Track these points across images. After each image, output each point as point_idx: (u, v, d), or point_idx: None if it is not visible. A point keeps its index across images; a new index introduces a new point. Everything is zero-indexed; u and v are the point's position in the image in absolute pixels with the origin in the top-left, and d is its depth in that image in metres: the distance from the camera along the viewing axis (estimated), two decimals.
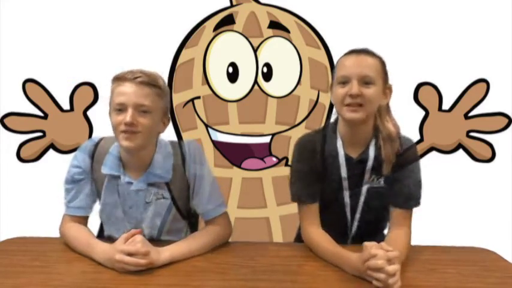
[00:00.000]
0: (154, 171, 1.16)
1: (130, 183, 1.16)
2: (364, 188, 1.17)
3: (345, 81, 1.09)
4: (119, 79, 1.10)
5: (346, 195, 1.18)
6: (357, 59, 1.09)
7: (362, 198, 1.18)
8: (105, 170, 1.17)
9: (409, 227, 1.14)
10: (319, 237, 1.13)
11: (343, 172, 1.17)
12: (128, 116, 1.05)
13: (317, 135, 1.21)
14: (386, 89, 1.13)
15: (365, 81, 1.07)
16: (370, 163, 1.15)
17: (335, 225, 1.19)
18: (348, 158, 1.16)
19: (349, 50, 1.13)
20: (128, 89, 1.07)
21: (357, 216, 1.20)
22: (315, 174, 1.17)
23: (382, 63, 1.12)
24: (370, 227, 1.21)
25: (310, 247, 1.15)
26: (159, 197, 1.18)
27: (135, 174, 1.17)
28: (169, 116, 1.21)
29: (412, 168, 1.15)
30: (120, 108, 1.07)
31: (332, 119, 1.23)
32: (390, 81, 1.15)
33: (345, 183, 1.17)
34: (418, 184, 1.15)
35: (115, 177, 1.17)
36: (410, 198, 1.14)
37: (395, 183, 1.15)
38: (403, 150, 1.14)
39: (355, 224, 1.21)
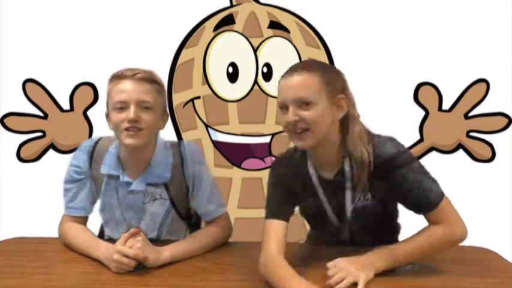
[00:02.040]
0: (153, 171, 1.16)
1: (129, 183, 1.16)
2: (350, 209, 1.07)
3: (284, 107, 0.99)
4: (117, 77, 1.09)
5: (332, 215, 1.11)
6: (290, 81, 0.99)
7: (349, 218, 1.09)
8: (104, 169, 1.16)
9: (443, 222, 1.01)
10: (279, 264, 0.96)
11: (321, 194, 1.08)
12: (131, 112, 1.04)
13: (289, 157, 1.12)
14: (339, 100, 1.00)
15: (303, 103, 0.96)
16: (348, 182, 1.04)
17: (330, 239, 1.16)
18: (322, 180, 1.07)
19: (286, 70, 1.02)
20: (128, 86, 1.06)
21: (346, 233, 1.14)
22: (289, 194, 1.08)
23: (324, 75, 0.99)
24: (365, 237, 1.12)
25: (261, 269, 0.99)
26: (158, 197, 1.18)
27: (134, 174, 1.17)
28: (168, 112, 1.21)
29: (405, 172, 1.01)
30: (122, 107, 1.06)
31: None
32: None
33: (327, 205, 1.09)
34: (420, 186, 1.01)
35: (114, 177, 1.17)
36: (420, 205, 1.02)
37: (398, 197, 1.05)
38: (383, 160, 1.00)
39: (347, 236, 1.14)
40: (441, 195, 1.03)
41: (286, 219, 1.06)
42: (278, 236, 1.02)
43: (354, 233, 1.14)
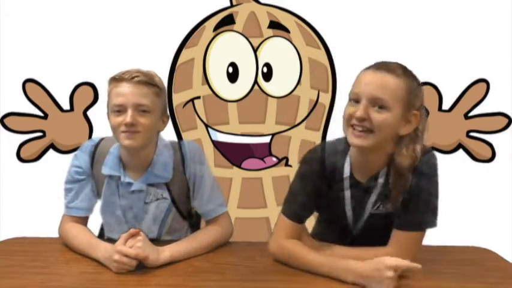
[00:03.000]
0: (154, 171, 1.16)
1: (130, 183, 1.16)
2: (367, 214, 1.07)
3: (356, 99, 0.95)
4: (115, 80, 1.09)
5: (349, 218, 1.09)
6: (373, 76, 0.95)
7: (362, 223, 1.09)
8: (105, 170, 1.17)
9: (398, 249, 0.98)
10: (294, 243, 1.03)
11: (347, 195, 1.06)
12: (128, 116, 1.05)
13: (321, 151, 1.09)
14: (411, 116, 0.96)
15: (377, 105, 0.92)
16: (376, 191, 1.03)
17: (332, 241, 1.12)
18: (353, 182, 1.05)
19: (374, 63, 0.99)
20: (126, 89, 1.07)
21: (353, 234, 1.13)
22: (314, 196, 1.08)
23: (409, 85, 0.95)
24: (367, 242, 1.08)
25: (282, 258, 1.04)
26: (159, 197, 1.18)
27: (135, 174, 1.17)
28: (168, 113, 1.21)
29: (425, 188, 0.99)
30: (119, 110, 1.07)
31: None
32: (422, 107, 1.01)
33: (348, 207, 1.08)
34: (427, 204, 1.00)
35: (115, 178, 1.17)
36: (412, 220, 0.99)
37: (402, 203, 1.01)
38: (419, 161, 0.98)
39: (355, 241, 1.11)
40: (427, 228, 1.02)
41: (300, 221, 1.08)
42: (288, 235, 1.05)
43: (359, 236, 1.12)
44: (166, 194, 1.19)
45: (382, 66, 0.96)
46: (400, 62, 1.05)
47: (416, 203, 0.99)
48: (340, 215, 1.11)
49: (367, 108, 0.92)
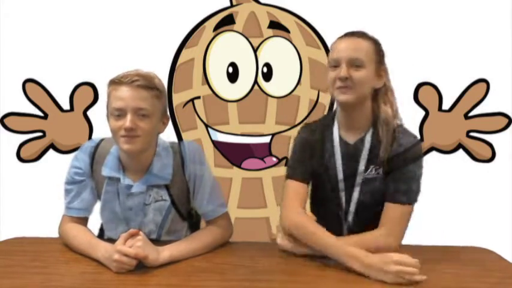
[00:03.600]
0: (154, 173, 1.16)
1: (130, 185, 1.16)
2: (359, 178, 1.15)
3: (335, 65, 1.11)
4: (115, 83, 1.08)
5: (341, 184, 1.18)
6: (347, 43, 1.11)
7: (357, 189, 1.16)
8: (105, 171, 1.16)
9: (389, 226, 1.09)
10: (309, 221, 1.11)
11: (338, 157, 1.17)
12: (127, 121, 1.05)
13: (317, 124, 1.25)
14: (381, 71, 1.13)
15: (355, 64, 1.08)
16: (366, 150, 1.14)
17: (329, 217, 1.20)
18: (343, 143, 1.17)
19: (343, 33, 1.15)
20: (125, 93, 1.06)
21: (352, 208, 1.18)
22: (307, 153, 1.19)
23: (376, 46, 1.13)
24: (363, 221, 1.16)
25: (292, 229, 1.11)
26: (159, 199, 1.18)
27: (135, 176, 1.17)
28: (169, 115, 1.20)
29: (410, 164, 1.11)
30: (119, 114, 1.06)
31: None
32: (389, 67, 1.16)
33: (340, 170, 1.17)
34: (412, 178, 1.11)
35: (115, 179, 1.17)
36: (399, 191, 1.10)
37: (389, 177, 1.12)
38: (404, 149, 1.11)
39: (350, 217, 1.19)
40: (412, 201, 1.11)
41: (306, 181, 1.18)
42: (300, 196, 1.16)
43: (356, 212, 1.18)
44: (166, 196, 1.19)
45: (351, 34, 1.13)
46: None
47: (405, 177, 1.11)
48: (333, 185, 1.18)
49: (347, 69, 1.08)
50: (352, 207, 1.18)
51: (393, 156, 1.11)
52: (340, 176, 1.17)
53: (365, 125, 1.15)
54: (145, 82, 1.07)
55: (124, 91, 1.06)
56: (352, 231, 1.17)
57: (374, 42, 1.13)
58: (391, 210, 1.10)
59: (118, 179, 1.16)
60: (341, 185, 1.18)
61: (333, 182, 1.19)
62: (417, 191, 1.12)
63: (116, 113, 1.07)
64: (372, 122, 1.15)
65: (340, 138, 1.18)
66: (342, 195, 1.19)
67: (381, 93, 1.15)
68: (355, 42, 1.11)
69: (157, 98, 1.10)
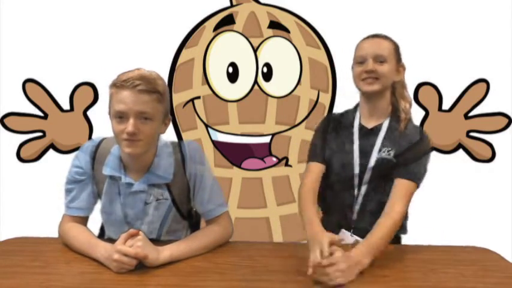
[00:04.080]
0: (155, 172, 1.16)
1: (131, 184, 1.16)
2: (373, 158, 1.26)
3: (362, 61, 1.25)
4: (117, 86, 1.07)
5: (356, 164, 1.28)
6: (372, 42, 1.27)
7: (370, 168, 1.26)
8: (106, 171, 1.16)
9: (401, 201, 1.17)
10: (306, 196, 1.25)
11: (355, 138, 1.29)
12: (129, 125, 1.04)
13: (341, 113, 1.39)
14: (400, 67, 1.29)
15: (379, 60, 1.23)
16: (382, 133, 1.27)
17: (341, 199, 1.31)
18: (361, 127, 1.30)
19: (367, 36, 1.30)
20: (128, 97, 1.05)
21: (363, 188, 1.28)
22: (326, 138, 1.34)
23: (396, 46, 1.29)
24: (374, 202, 1.27)
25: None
26: (160, 197, 1.18)
27: (136, 175, 1.17)
28: (170, 115, 1.20)
29: (423, 148, 1.24)
30: (121, 116, 1.06)
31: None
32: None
33: (356, 149, 1.28)
34: (421, 164, 1.22)
35: (116, 178, 1.17)
36: (409, 171, 1.20)
37: (403, 157, 1.23)
38: (418, 137, 1.25)
39: (360, 198, 1.28)
40: (418, 180, 1.21)
41: (323, 161, 1.32)
42: (314, 174, 1.30)
43: (366, 195, 1.28)
44: (166, 195, 1.19)
45: (374, 36, 1.29)
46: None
47: (416, 159, 1.22)
48: (347, 161, 1.29)
49: (373, 63, 1.24)
50: (364, 187, 1.28)
51: (407, 142, 1.24)
52: (357, 156, 1.28)
53: (384, 114, 1.29)
54: (147, 86, 1.05)
55: (126, 95, 1.05)
56: (362, 207, 1.29)
57: (394, 43, 1.29)
58: (400, 184, 1.20)
59: (119, 178, 1.16)
60: (356, 167, 1.28)
61: (348, 164, 1.29)
62: (424, 174, 1.23)
63: (118, 115, 1.06)
64: (390, 112, 1.29)
65: (360, 124, 1.31)
66: (355, 181, 1.29)
67: (398, 88, 1.30)
68: (378, 41, 1.27)
69: (160, 101, 1.09)
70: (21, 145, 2.10)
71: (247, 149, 2.12)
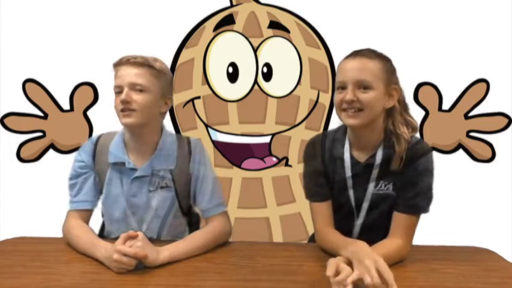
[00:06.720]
0: (159, 156, 1.19)
1: (134, 169, 1.18)
2: (369, 193, 1.14)
3: (342, 87, 1.07)
4: (116, 64, 1.16)
5: (351, 198, 1.16)
6: (353, 64, 1.06)
7: (366, 204, 1.15)
8: (111, 158, 1.19)
9: (405, 236, 1.08)
10: (332, 235, 1.11)
11: (348, 175, 1.14)
12: (123, 94, 1.11)
13: (323, 137, 1.21)
14: (392, 90, 1.09)
15: (362, 86, 1.04)
16: (376, 168, 1.11)
17: (338, 228, 1.16)
18: (354, 162, 1.14)
19: (350, 53, 1.10)
20: (124, 71, 1.13)
21: (359, 221, 1.17)
22: (320, 175, 1.18)
23: (384, 65, 1.07)
24: (373, 232, 1.14)
25: (324, 248, 1.12)
26: (163, 185, 1.20)
27: (140, 161, 1.19)
28: (172, 97, 1.24)
29: (421, 173, 1.09)
30: (119, 91, 1.13)
31: None
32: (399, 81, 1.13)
33: (350, 187, 1.15)
34: (423, 192, 1.09)
35: (119, 165, 1.19)
36: (410, 204, 1.09)
37: (401, 187, 1.11)
38: (416, 161, 1.09)
39: (358, 229, 1.18)
40: (423, 211, 1.10)
41: (327, 199, 1.17)
42: (323, 214, 1.16)
43: (365, 226, 1.17)
44: (170, 183, 1.21)
45: (357, 53, 1.08)
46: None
47: (416, 189, 1.09)
48: (344, 198, 1.17)
49: (354, 91, 1.04)
50: (360, 220, 1.17)
51: (405, 168, 1.09)
52: (352, 195, 1.16)
53: (376, 143, 1.12)
54: (142, 60, 1.14)
55: (123, 70, 1.14)
56: (360, 236, 1.16)
57: (382, 61, 1.07)
58: (400, 219, 1.09)
59: (122, 164, 1.18)
60: (351, 202, 1.16)
61: (344, 201, 1.17)
62: (428, 201, 1.10)
63: (116, 90, 1.14)
64: (383, 138, 1.12)
65: (351, 156, 1.14)
66: (352, 213, 1.17)
67: (396, 113, 1.11)
68: (361, 62, 1.05)
69: (156, 76, 1.16)
70: (21, 145, 2.10)
71: (247, 149, 2.12)
